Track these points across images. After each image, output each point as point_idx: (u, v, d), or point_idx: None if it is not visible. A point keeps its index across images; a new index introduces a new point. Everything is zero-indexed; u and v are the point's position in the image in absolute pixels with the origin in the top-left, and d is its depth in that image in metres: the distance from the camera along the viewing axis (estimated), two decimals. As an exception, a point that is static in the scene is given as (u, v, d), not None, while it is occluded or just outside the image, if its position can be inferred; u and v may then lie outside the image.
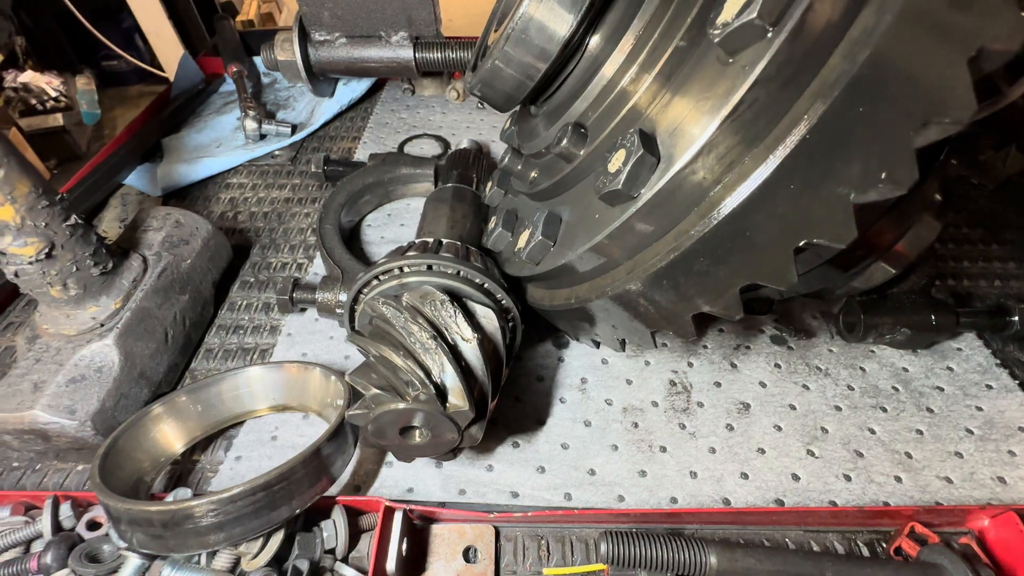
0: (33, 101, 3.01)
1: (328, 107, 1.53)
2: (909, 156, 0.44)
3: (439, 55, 1.38)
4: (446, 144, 1.45)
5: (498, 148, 1.44)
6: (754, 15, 0.43)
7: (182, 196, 1.32)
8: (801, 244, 0.48)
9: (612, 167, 0.54)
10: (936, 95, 0.42)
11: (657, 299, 0.58)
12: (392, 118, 1.57)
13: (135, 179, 1.32)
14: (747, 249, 0.50)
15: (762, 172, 0.46)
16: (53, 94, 3.06)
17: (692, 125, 0.49)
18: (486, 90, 0.74)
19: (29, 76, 3.04)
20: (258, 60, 1.67)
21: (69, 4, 2.59)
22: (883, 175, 0.44)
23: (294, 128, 1.47)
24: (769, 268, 0.50)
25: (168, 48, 1.82)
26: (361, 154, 1.43)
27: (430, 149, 1.45)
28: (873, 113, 0.43)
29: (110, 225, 1.24)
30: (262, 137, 1.45)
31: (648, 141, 0.52)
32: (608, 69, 0.63)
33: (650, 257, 0.56)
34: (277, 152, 1.44)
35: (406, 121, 1.56)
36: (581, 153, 0.65)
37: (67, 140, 3.00)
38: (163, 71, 1.89)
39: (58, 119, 3.01)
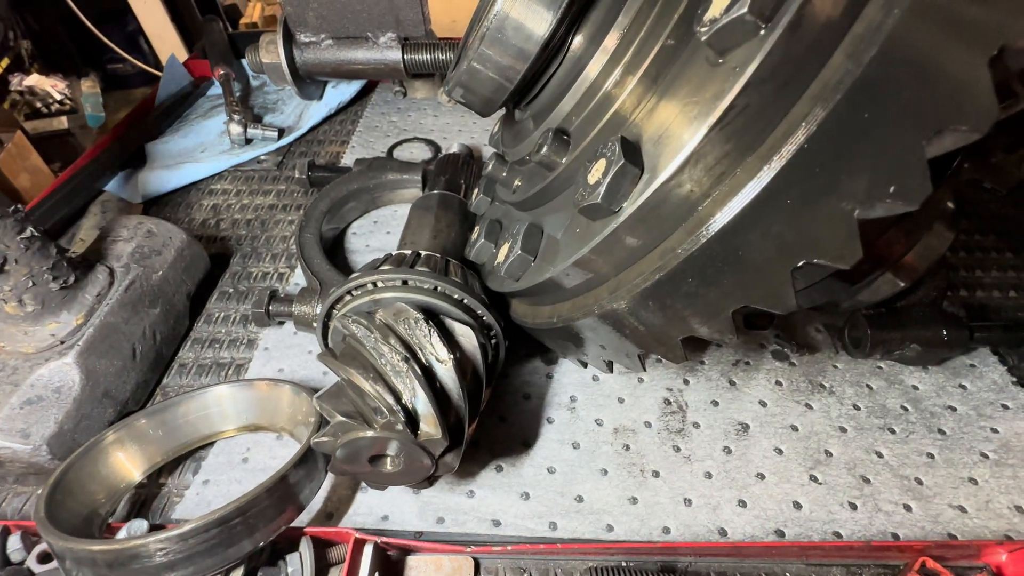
0: (38, 104, 3.02)
1: (316, 111, 1.49)
2: (921, 168, 0.39)
3: (428, 56, 1.33)
4: (437, 148, 1.41)
5: (489, 152, 1.39)
6: (744, 10, 0.38)
7: (163, 203, 1.28)
8: (800, 264, 0.43)
9: (592, 178, 0.49)
10: (952, 100, 0.37)
11: (644, 320, 0.53)
12: (382, 121, 1.53)
13: (116, 186, 1.29)
14: (740, 270, 0.45)
15: (755, 185, 0.42)
16: (58, 97, 3.07)
17: (678, 132, 0.44)
18: (464, 93, 0.70)
19: (35, 79, 3.04)
20: (247, 63, 1.63)
21: (74, 8, 2.58)
22: (891, 188, 0.39)
23: (281, 132, 1.43)
24: (764, 290, 0.45)
25: (171, 51, 1.81)
26: (349, 158, 1.39)
27: (420, 153, 1.41)
28: (880, 119, 0.38)
29: (89, 233, 1.20)
30: (248, 142, 1.41)
31: (631, 150, 0.48)
32: (591, 70, 0.58)
33: (634, 276, 0.51)
34: (263, 157, 1.40)
35: (396, 124, 1.51)
36: (563, 161, 0.60)
37: (72, 143, 3.01)
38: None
39: (63, 122, 3.02)
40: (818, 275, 0.66)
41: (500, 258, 0.66)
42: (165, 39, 2.62)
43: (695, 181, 0.44)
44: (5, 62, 2.95)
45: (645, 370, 0.81)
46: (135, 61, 2.89)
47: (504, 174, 0.80)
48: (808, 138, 0.39)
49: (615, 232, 0.49)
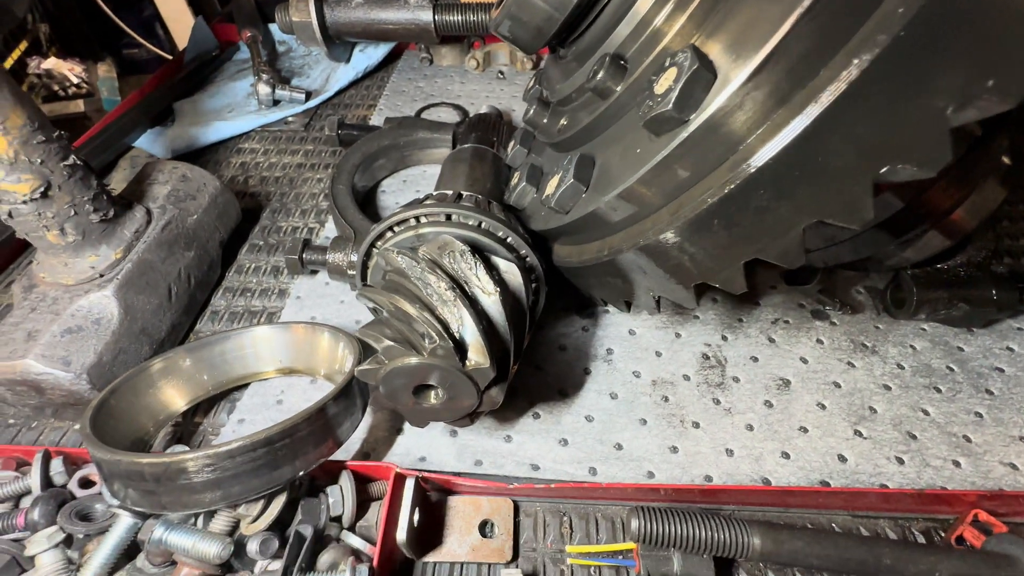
0: (55, 87, 3.04)
1: (343, 74, 1.48)
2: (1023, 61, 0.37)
3: (459, 17, 1.32)
4: (464, 113, 1.39)
5: (519, 117, 1.38)
6: None
7: (192, 159, 1.27)
8: (883, 171, 0.41)
9: (660, 88, 0.47)
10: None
11: (705, 245, 0.51)
12: (409, 87, 1.51)
13: (145, 142, 1.29)
14: (817, 179, 0.43)
15: (841, 83, 0.40)
16: (75, 81, 3.09)
17: (758, 32, 0.43)
18: (513, 25, 0.68)
19: (52, 63, 3.06)
20: (274, 27, 1.62)
21: (92, -8, 2.58)
22: (989, 83, 0.37)
23: (308, 94, 1.42)
24: (842, 201, 0.44)
25: (187, 36, 1.78)
26: (376, 121, 1.38)
27: (448, 117, 1.39)
28: (983, 6, 0.36)
29: (118, 186, 1.19)
30: (275, 103, 1.41)
31: (703, 57, 0.46)
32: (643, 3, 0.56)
33: (699, 194, 0.49)
34: (290, 118, 1.39)
35: (423, 90, 1.50)
36: (618, 89, 0.58)
37: (88, 126, 3.01)
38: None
39: (79, 105, 3.05)
40: (882, 213, 0.64)
41: (549, 190, 0.65)
42: (182, 23, 2.62)
43: (774, 84, 0.43)
44: (23, 45, 2.97)
45: (699, 305, 0.80)
46: (151, 46, 2.90)
47: (546, 119, 0.79)
48: (905, 26, 0.37)
49: (683, 144, 0.47)
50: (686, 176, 0.50)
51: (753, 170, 0.45)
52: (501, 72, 1.54)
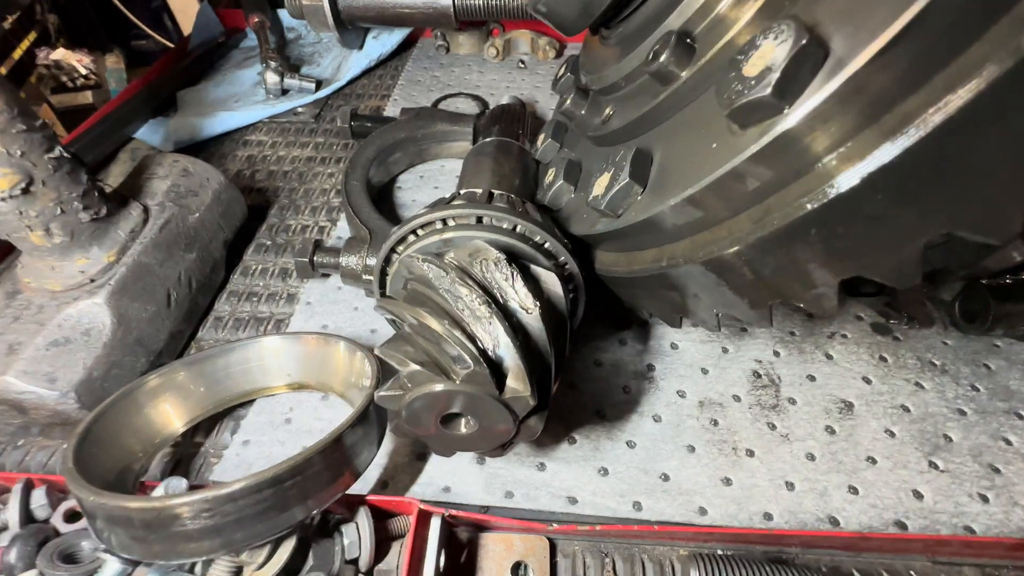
0: (64, 78, 3.01)
1: (356, 62, 1.40)
2: None
3: (480, 1, 1.23)
4: (484, 104, 1.31)
5: (542, 109, 1.29)
6: None
7: (196, 152, 1.19)
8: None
9: (751, 69, 0.39)
10: None
11: (795, 259, 0.43)
12: (425, 76, 1.43)
13: (145, 133, 1.21)
14: (956, 181, 0.35)
15: (1007, 60, 0.31)
16: (83, 72, 3.05)
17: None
18: (554, 2, 0.60)
19: (60, 54, 3.03)
20: (283, 12, 1.54)
21: (100, -16, 2.53)
22: None
23: (319, 84, 1.34)
24: (985, 209, 0.35)
25: None
26: (391, 112, 1.30)
27: (466, 109, 1.31)
28: None
29: (117, 180, 1.12)
30: (284, 92, 1.33)
31: (810, 30, 0.37)
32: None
33: (793, 198, 0.41)
34: (300, 109, 1.31)
35: (440, 80, 1.42)
36: (684, 73, 0.50)
37: (97, 118, 2.97)
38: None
39: (88, 96, 3.03)
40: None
41: (597, 190, 0.56)
42: (189, 14, 2.56)
43: (910, 62, 0.34)
44: (32, 36, 2.93)
45: (772, 325, 0.71)
46: (159, 38, 2.87)
47: (584, 109, 0.71)
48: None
49: (781, 138, 0.39)
50: (777, 177, 0.42)
51: (873, 169, 0.36)
52: (522, 61, 1.45)
